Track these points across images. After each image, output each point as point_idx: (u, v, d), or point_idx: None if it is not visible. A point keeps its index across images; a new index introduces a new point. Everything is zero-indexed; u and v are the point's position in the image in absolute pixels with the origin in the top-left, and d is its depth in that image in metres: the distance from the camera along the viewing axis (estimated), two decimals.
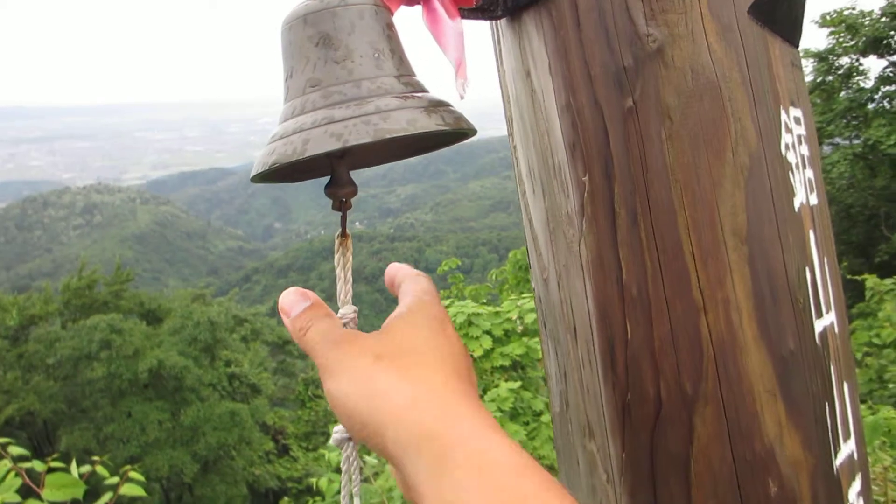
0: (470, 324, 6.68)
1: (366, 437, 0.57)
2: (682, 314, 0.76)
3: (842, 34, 20.41)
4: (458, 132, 0.71)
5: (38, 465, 2.84)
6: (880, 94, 20.30)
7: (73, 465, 2.91)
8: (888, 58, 20.37)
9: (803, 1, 0.94)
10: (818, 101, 20.74)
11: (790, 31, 0.91)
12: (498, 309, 6.92)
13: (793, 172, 0.83)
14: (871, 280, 8.70)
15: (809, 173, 0.89)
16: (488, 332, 6.59)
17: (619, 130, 0.77)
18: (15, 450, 2.83)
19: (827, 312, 0.87)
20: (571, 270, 0.83)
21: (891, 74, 20.43)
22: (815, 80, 21.34)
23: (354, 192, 0.74)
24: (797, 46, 0.94)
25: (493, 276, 11.06)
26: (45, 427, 22.15)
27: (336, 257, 0.74)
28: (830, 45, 20.78)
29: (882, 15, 19.56)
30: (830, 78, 21.07)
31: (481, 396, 5.98)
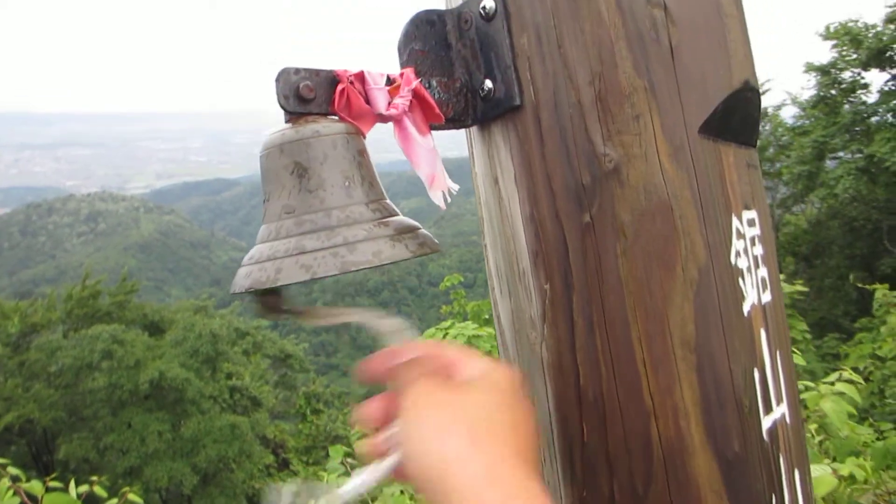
0: (470, 346, 6.71)
1: (430, 494, 0.60)
2: (634, 419, 0.81)
3: (845, 47, 20.49)
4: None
5: (36, 486, 2.88)
6: (883, 108, 20.37)
7: (72, 484, 2.95)
8: (890, 71, 20.44)
9: (758, 104, 0.98)
10: (821, 115, 20.79)
11: (746, 134, 0.96)
12: None
13: (743, 277, 0.88)
14: (880, 291, 8.59)
15: (763, 272, 0.94)
16: (488, 353, 6.61)
17: (578, 243, 0.83)
18: (12, 470, 2.88)
19: (777, 405, 0.92)
20: (534, 371, 0.88)
21: (893, 88, 20.51)
22: (818, 93, 21.39)
23: (280, 300, 0.79)
24: (755, 145, 1.00)
25: None
26: (44, 435, 22.12)
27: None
28: (833, 59, 20.87)
29: (888, 21, 19.57)
30: (834, 92, 21.15)
31: None
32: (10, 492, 2.78)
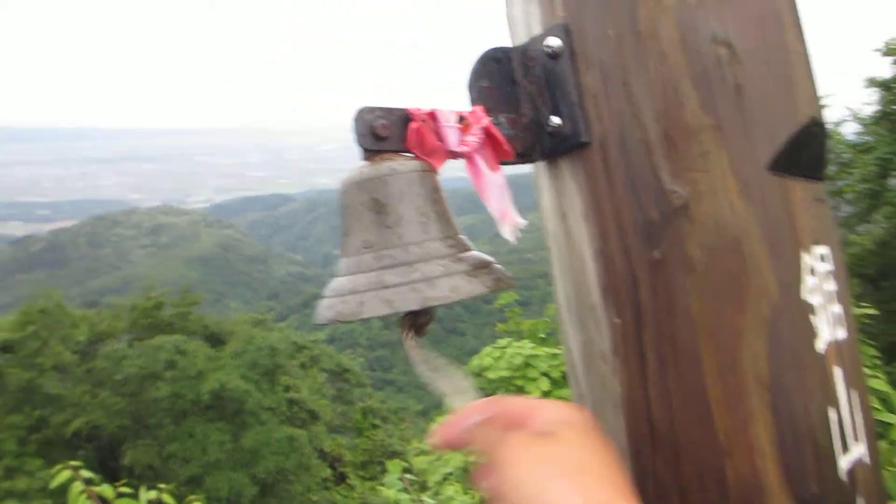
0: (527, 365, 6.69)
1: None
2: (707, 456, 0.80)
3: None
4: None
5: (107, 489, 2.97)
6: None
7: (142, 490, 3.03)
8: None
9: (824, 139, 0.97)
10: (884, 131, 20.13)
11: (813, 169, 0.95)
12: (556, 350, 6.90)
13: (815, 314, 0.87)
14: None
15: (836, 308, 0.92)
16: (546, 374, 6.58)
17: (648, 279, 0.83)
18: (86, 473, 2.97)
19: (854, 445, 0.90)
20: (605, 405, 0.89)
21: None
22: (881, 109, 20.74)
23: (431, 319, 0.81)
24: (822, 179, 0.98)
25: (552, 311, 10.98)
26: (110, 442, 22.73)
27: (420, 368, 0.79)
28: (895, 74, 20.24)
29: None
30: None
31: None
32: (84, 495, 2.88)
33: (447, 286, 0.73)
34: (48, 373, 21.29)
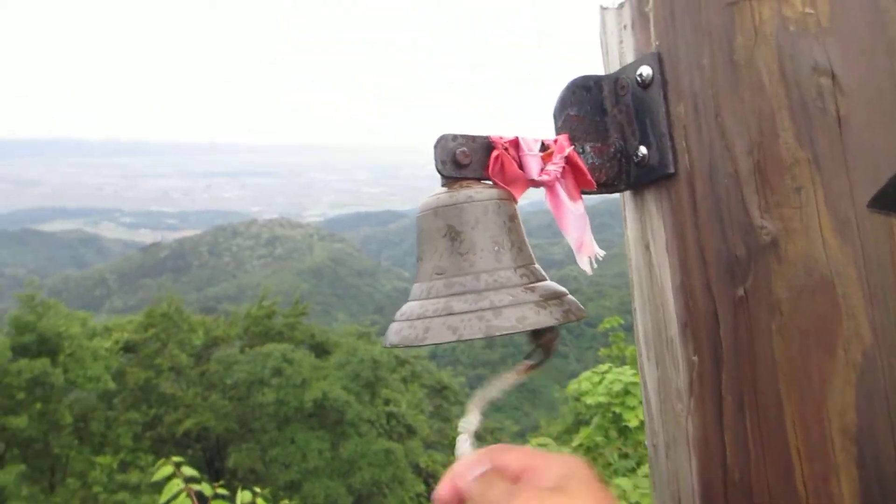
0: (627, 392, 6.52)
1: None
2: None
3: None
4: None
5: (206, 489, 3.10)
6: None
7: (239, 493, 3.14)
8: None
9: None
10: None
11: None
12: None
13: None
14: None
15: None
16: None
17: (730, 317, 0.80)
18: (187, 470, 3.10)
19: None
20: (678, 443, 0.86)
21: None
22: None
23: (555, 336, 0.81)
24: None
25: None
26: (217, 443, 23.65)
27: (509, 374, 0.80)
28: None
29: None
30: None
31: (634, 470, 5.79)
32: (184, 493, 3.01)
33: (514, 316, 0.72)
34: (165, 374, 22.45)
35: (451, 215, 0.80)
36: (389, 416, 24.42)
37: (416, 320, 0.75)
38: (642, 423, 6.21)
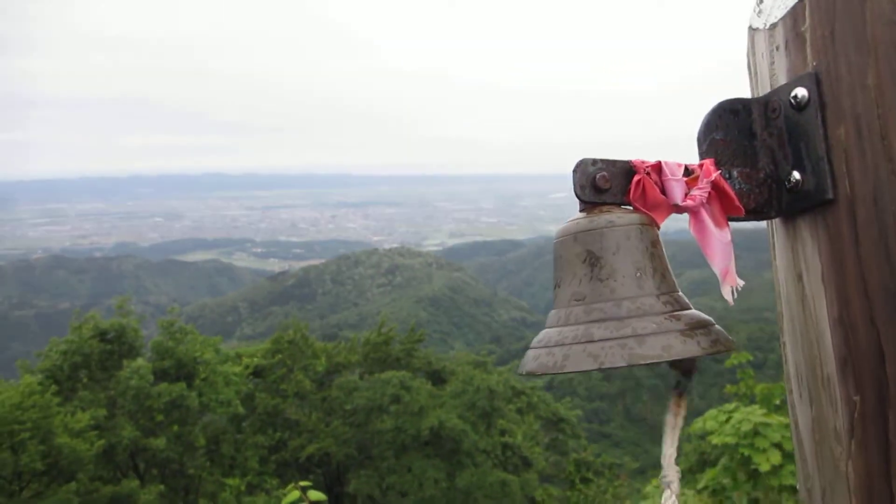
0: (756, 433, 6.16)
1: None
2: None
3: None
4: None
5: None
6: None
7: None
8: None
9: None
10: None
11: None
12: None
13: None
14: None
15: None
16: (777, 446, 6.02)
17: None
18: (314, 494, 3.17)
19: None
20: (837, 490, 0.79)
21: None
22: None
23: (696, 361, 0.78)
24: None
25: None
26: (338, 468, 24.13)
27: (670, 417, 0.78)
28: None
29: None
30: None
31: None
32: None
33: (659, 345, 0.69)
34: (290, 399, 23.22)
35: (591, 240, 0.77)
36: (505, 447, 24.18)
37: (555, 347, 0.73)
38: (774, 468, 5.84)
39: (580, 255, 0.77)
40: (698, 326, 0.73)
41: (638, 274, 0.75)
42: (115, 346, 19.46)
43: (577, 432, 30.96)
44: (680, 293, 0.79)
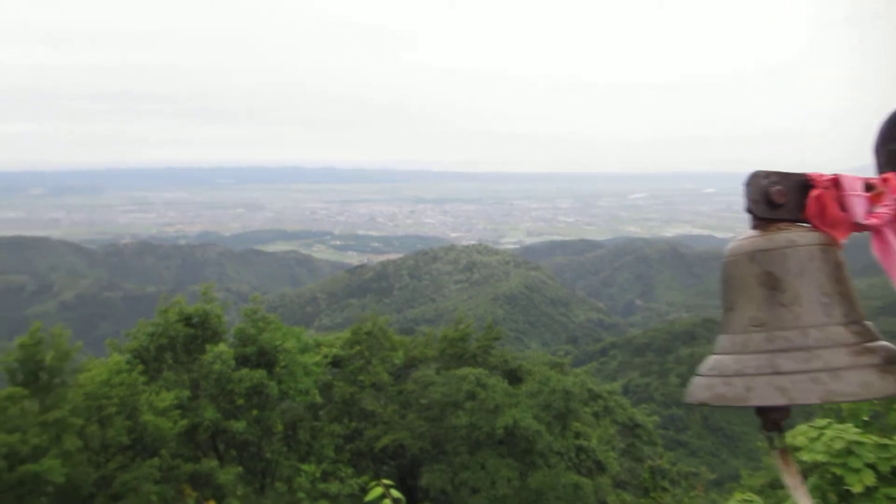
0: (849, 453, 5.85)
1: None
2: None
3: None
4: None
5: None
6: None
7: None
8: None
9: None
10: None
11: None
12: (888, 441, 5.96)
13: None
14: None
15: None
16: (871, 466, 5.69)
17: None
18: (395, 493, 3.18)
19: None
20: None
21: None
22: None
23: (786, 415, 0.72)
24: None
25: None
26: (411, 461, 24.30)
27: (785, 478, 0.72)
28: None
29: None
30: None
31: None
32: None
33: (857, 381, 0.62)
34: (367, 390, 23.52)
35: (771, 261, 0.71)
36: (579, 449, 23.87)
37: (734, 377, 0.68)
38: (868, 488, 5.53)
39: (758, 277, 0.71)
40: (894, 360, 0.66)
41: (824, 300, 0.69)
42: (198, 330, 20.10)
43: (654, 439, 30.34)
44: (868, 322, 0.71)
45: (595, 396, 27.51)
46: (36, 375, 15.69)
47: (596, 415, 26.82)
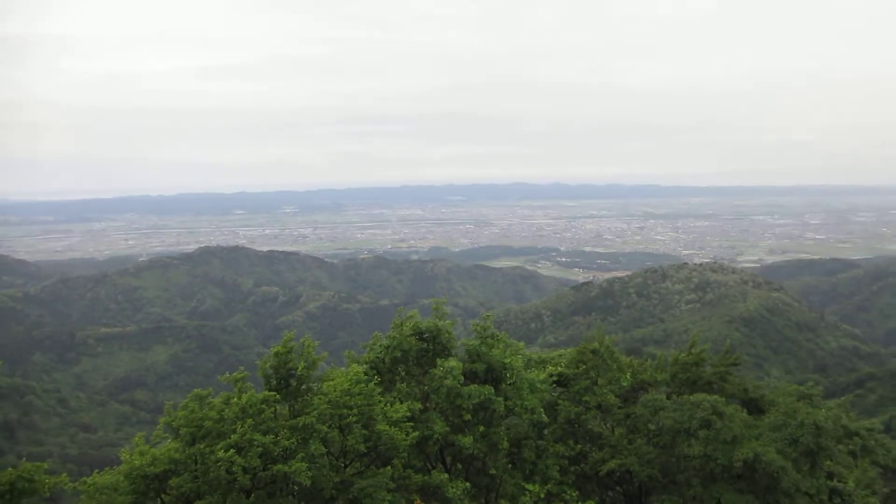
0: None
1: None
2: None
3: None
4: None
5: None
6: None
7: None
8: None
9: None
10: None
11: None
12: None
13: None
14: None
15: None
16: None
17: None
18: None
19: None
20: None
21: None
22: None
23: None
24: None
25: None
26: (639, 489, 23.31)
27: None
28: None
29: None
30: None
31: None
32: None
33: None
34: (592, 411, 22.94)
35: None
36: (833, 492, 21.40)
37: None
38: None
39: None
40: None
41: None
42: (430, 345, 20.77)
43: None
44: None
45: (851, 434, 24.57)
46: (287, 381, 17.16)
47: (853, 454, 23.95)
